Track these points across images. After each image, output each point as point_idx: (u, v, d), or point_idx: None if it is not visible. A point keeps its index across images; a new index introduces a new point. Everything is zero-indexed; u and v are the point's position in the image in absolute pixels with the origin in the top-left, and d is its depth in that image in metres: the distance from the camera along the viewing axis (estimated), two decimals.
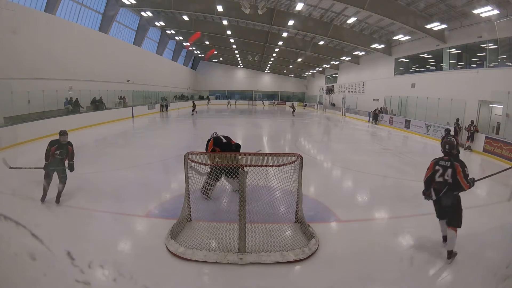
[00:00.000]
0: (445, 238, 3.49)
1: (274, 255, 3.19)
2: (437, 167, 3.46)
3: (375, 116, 19.60)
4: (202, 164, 3.48)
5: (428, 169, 3.59)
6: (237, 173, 3.99)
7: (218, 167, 4.25)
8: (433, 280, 3.01)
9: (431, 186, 3.53)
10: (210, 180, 4.46)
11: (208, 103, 36.53)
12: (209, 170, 4.45)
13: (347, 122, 21.25)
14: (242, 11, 15.37)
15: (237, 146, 5.35)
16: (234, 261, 3.11)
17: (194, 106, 23.19)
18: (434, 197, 3.47)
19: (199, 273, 3.01)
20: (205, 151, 5.04)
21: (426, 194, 3.59)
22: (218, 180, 4.61)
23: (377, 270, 3.14)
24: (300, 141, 12.18)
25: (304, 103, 40.14)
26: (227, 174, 4.35)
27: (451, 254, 3.21)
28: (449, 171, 3.33)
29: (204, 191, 4.40)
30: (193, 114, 21.67)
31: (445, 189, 3.35)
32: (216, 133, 5.47)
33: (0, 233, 1.25)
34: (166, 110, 24.97)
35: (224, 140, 5.18)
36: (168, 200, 4.89)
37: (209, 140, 5.23)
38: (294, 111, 25.62)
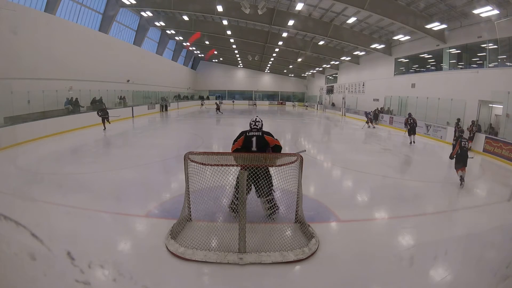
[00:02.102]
0: (462, 177, 6.15)
1: (274, 255, 3.19)
2: (462, 143, 6.31)
3: (375, 116, 19.59)
4: (202, 164, 3.47)
5: (456, 145, 6.39)
6: (262, 192, 3.78)
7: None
8: (433, 280, 3.01)
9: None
10: (237, 193, 3.66)
11: (202, 104, 31.28)
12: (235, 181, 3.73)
13: (347, 122, 21.25)
14: (242, 11, 15.37)
15: (276, 149, 4.15)
16: (234, 261, 3.10)
17: (103, 114, 12.71)
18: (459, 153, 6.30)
19: (199, 273, 3.01)
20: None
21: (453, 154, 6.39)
22: (248, 193, 3.64)
23: (377, 270, 3.14)
24: (300, 141, 12.18)
25: (280, 101, 41.42)
26: (256, 192, 3.86)
27: (464, 180, 6.09)
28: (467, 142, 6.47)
29: (233, 207, 3.98)
30: (104, 128, 12.83)
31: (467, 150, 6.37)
32: (256, 121, 4.21)
33: (0, 233, 1.25)
34: (166, 110, 24.99)
35: (255, 143, 4.06)
36: (168, 200, 4.89)
37: (240, 135, 4.17)
38: (218, 109, 24.59)
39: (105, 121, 12.74)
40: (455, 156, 6.29)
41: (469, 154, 6.49)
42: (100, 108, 13.31)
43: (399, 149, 11.00)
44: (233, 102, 39.02)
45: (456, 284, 2.98)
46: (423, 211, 4.83)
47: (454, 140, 7.05)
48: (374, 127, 17.28)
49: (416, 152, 10.61)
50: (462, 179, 6.17)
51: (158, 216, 4.33)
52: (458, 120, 11.67)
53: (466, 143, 6.49)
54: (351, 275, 3.04)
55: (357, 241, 3.74)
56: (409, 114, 12.17)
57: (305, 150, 5.13)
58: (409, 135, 11.73)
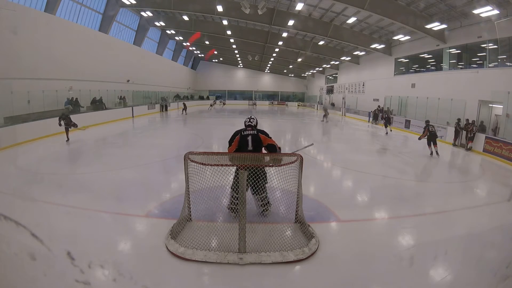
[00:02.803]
0: (436, 151, 9.20)
1: (274, 255, 3.19)
2: (430, 128, 9.31)
3: (375, 116, 19.60)
4: (202, 164, 3.47)
5: (425, 130, 9.46)
6: (258, 189, 3.82)
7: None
8: (433, 280, 3.01)
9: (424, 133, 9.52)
10: (235, 193, 3.81)
11: (212, 105, 29.98)
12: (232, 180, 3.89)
13: (347, 122, 21.25)
14: (242, 11, 15.37)
15: (270, 148, 4.09)
16: (234, 261, 3.10)
17: (66, 122, 10.03)
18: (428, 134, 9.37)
19: (199, 273, 3.01)
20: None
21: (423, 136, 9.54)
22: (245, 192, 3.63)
23: (377, 270, 3.14)
24: (300, 141, 12.17)
25: (271, 101, 41.59)
26: (252, 189, 3.94)
27: (438, 153, 9.21)
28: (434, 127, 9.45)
29: (232, 207, 4.05)
30: (67, 140, 9.99)
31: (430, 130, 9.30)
32: (251, 118, 4.26)
33: (0, 233, 1.25)
34: (166, 110, 25.00)
35: (251, 142, 4.06)
36: (168, 200, 4.89)
37: (235, 135, 4.15)
38: (184, 109, 23.09)
39: (69, 130, 10.16)
40: (425, 138, 9.48)
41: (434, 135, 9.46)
42: (63, 115, 10.14)
43: (399, 149, 11.00)
44: (219, 102, 37.07)
45: (456, 284, 2.98)
46: (423, 211, 4.83)
47: (424, 128, 9.67)
48: (327, 122, 19.55)
49: (416, 152, 10.60)
50: (437, 153, 9.26)
51: (158, 216, 4.33)
52: (458, 120, 11.65)
53: (433, 128, 9.49)
54: (351, 275, 3.04)
55: (357, 241, 3.74)
56: (382, 109, 16.52)
57: (312, 144, 5.11)
58: (385, 127, 15.04)
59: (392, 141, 12.95)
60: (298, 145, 10.65)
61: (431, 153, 9.34)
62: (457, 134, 11.60)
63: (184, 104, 24.22)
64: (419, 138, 9.67)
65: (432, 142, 9.31)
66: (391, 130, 15.07)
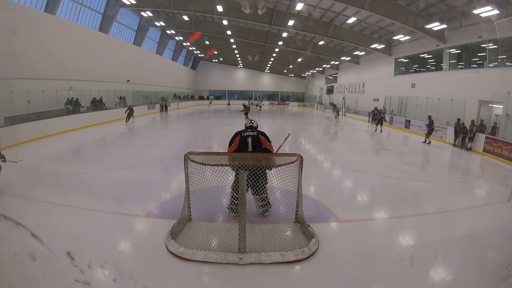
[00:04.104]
0: (376, 129, 15.36)
1: (274, 255, 3.19)
2: (382, 115, 15.84)
3: (374, 116, 19.58)
4: (202, 164, 3.47)
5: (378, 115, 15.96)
6: (258, 190, 3.85)
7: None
8: (433, 280, 3.01)
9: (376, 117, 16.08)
10: (235, 193, 3.83)
11: (210, 103, 32.23)
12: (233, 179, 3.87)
13: (347, 122, 21.24)
14: (242, 11, 15.37)
15: (265, 151, 4.15)
16: (234, 261, 3.11)
17: None
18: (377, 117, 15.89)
19: (199, 273, 3.01)
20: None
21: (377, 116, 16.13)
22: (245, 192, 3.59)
23: (377, 270, 3.14)
24: (300, 141, 12.17)
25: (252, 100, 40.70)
26: (252, 190, 3.94)
27: (380, 131, 15.12)
28: (383, 115, 16.31)
29: (232, 207, 4.05)
30: None
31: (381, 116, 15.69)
32: (251, 122, 4.39)
33: (0, 233, 1.25)
34: (166, 110, 24.98)
35: (251, 143, 4.09)
36: (168, 200, 4.89)
37: (235, 136, 4.19)
38: (130, 116, 16.28)
39: None
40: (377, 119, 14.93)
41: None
42: None
43: (399, 149, 11.00)
44: (210, 103, 36.80)
45: (456, 284, 2.97)
46: (423, 211, 4.83)
47: (377, 112, 15.65)
48: (246, 118, 20.30)
49: (416, 152, 10.60)
50: (380, 131, 14.23)
51: (158, 216, 4.33)
52: (458, 120, 11.65)
53: (383, 115, 15.22)
54: (351, 275, 3.04)
55: (357, 241, 3.74)
56: (332, 103, 23.01)
57: (289, 134, 5.21)
58: (335, 117, 20.77)
59: (392, 141, 12.95)
60: (298, 145, 10.64)
61: (375, 130, 15.04)
62: (456, 134, 11.61)
63: (130, 109, 16.45)
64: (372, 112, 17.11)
65: (379, 123, 15.07)
66: (341, 118, 20.23)
